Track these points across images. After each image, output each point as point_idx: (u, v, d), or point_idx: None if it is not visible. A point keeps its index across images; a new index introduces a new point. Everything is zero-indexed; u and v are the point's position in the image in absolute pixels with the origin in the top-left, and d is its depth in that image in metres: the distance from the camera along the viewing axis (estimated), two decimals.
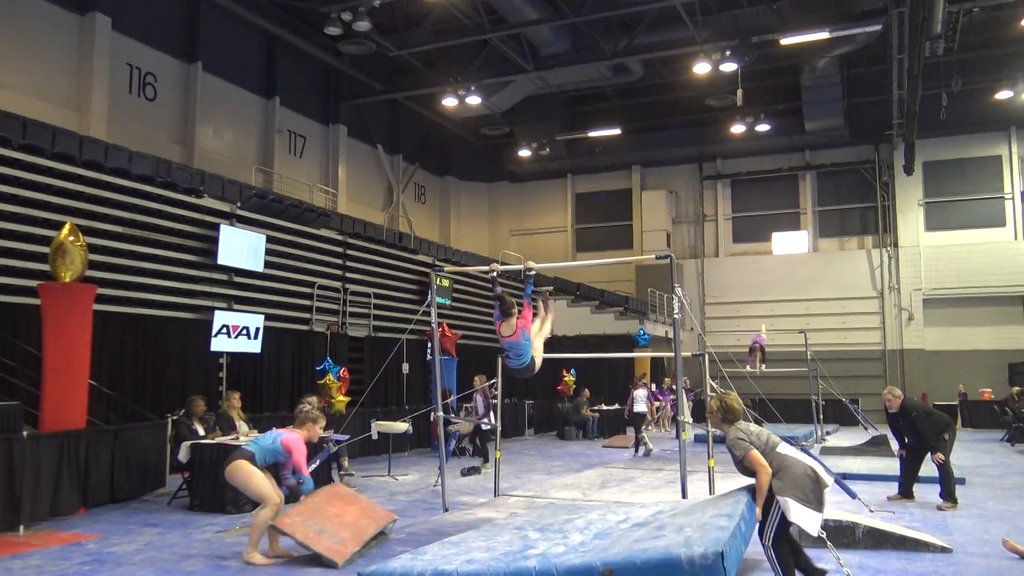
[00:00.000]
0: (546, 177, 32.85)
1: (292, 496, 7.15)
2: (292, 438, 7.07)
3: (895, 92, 22.63)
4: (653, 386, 22.81)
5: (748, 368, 17.86)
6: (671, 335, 7.82)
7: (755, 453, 5.38)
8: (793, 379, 23.66)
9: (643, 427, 16.72)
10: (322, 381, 13.52)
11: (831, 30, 20.85)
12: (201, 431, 10.35)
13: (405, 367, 17.51)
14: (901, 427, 9.75)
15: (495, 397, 10.02)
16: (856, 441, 17.94)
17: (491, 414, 13.23)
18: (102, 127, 17.31)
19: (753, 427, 5.61)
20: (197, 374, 13.71)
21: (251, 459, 6.91)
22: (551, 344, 25.10)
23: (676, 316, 7.50)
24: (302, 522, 6.80)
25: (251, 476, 6.83)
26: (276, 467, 7.08)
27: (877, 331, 27.96)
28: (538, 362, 7.45)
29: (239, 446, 7.15)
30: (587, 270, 29.93)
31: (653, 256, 8.35)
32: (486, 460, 13.05)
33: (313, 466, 8.49)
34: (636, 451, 15.97)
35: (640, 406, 16.43)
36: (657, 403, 21.90)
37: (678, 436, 8.02)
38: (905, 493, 9.87)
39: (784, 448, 5.51)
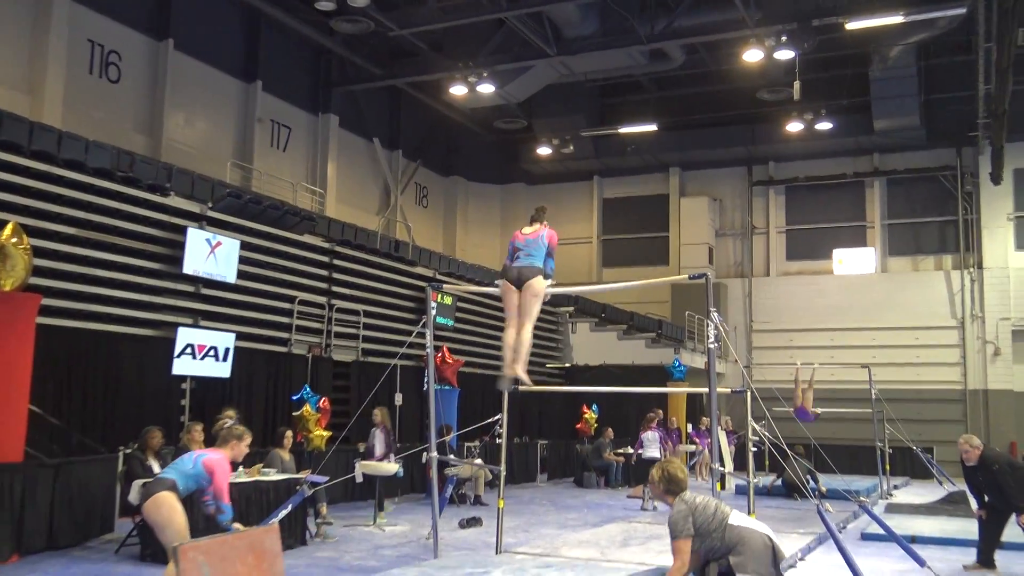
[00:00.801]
0: (569, 179, 32.88)
1: (210, 525, 7.09)
2: (215, 459, 7.07)
3: (981, 87, 22.53)
4: (688, 427, 22.70)
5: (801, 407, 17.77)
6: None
7: (682, 544, 5.70)
8: (855, 422, 23.50)
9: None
10: (298, 412, 13.52)
11: (906, 13, 20.82)
12: (157, 468, 10.34)
13: (398, 398, 17.50)
14: (980, 483, 9.66)
15: (499, 436, 9.99)
16: (929, 497, 17.75)
17: (391, 456, 12.89)
18: (56, 112, 17.46)
19: (700, 499, 5.86)
20: (155, 401, 13.73)
21: (174, 488, 6.86)
22: (569, 376, 24.95)
23: (711, 345, 7.48)
24: (199, 564, 6.62)
25: (173, 516, 6.75)
26: (197, 495, 7.05)
27: (956, 367, 27.75)
28: (540, 288, 8.11)
29: (157, 476, 7.10)
30: (615, 289, 29.83)
31: (687, 275, 8.33)
32: (381, 509, 12.86)
33: (283, 512, 8.48)
34: (643, 504, 15.98)
35: (652, 451, 16.40)
36: (693, 447, 21.78)
37: (713, 487, 7.97)
38: (985, 561, 9.77)
39: (737, 518, 5.78)
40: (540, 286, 8.12)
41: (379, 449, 13.01)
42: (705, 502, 5.77)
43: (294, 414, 13.70)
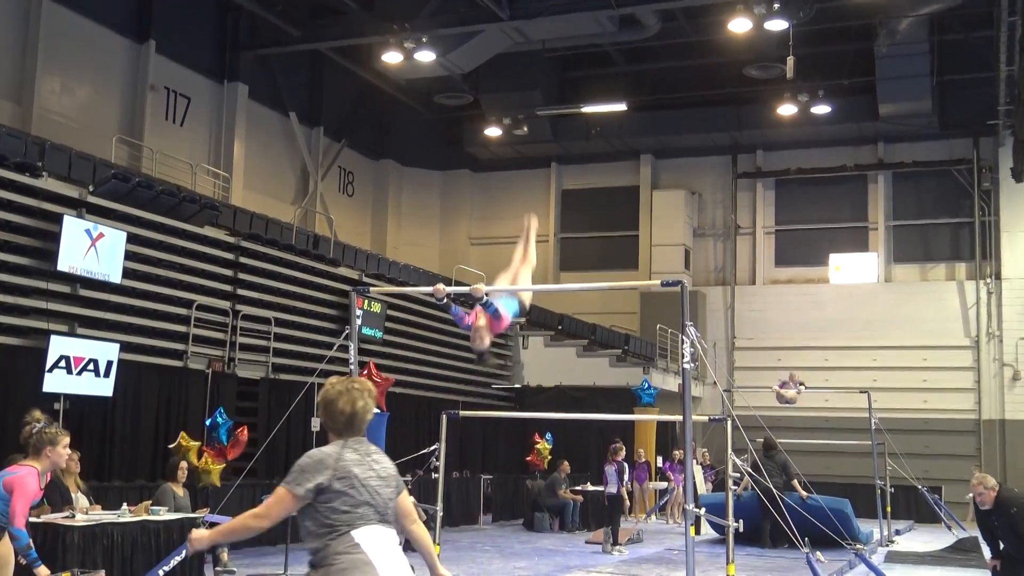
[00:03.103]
0: (522, 166, 32.96)
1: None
2: (18, 475, 7.02)
3: (1002, 68, 22.96)
4: (659, 460, 22.86)
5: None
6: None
7: (285, 495, 4.31)
8: (852, 456, 23.86)
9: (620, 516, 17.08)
10: (174, 444, 13.38)
11: None
12: None
13: (315, 423, 17.40)
14: (995, 528, 9.84)
15: (436, 470, 10.02)
16: (936, 545, 18.09)
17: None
18: None
19: (359, 470, 4.35)
20: (20, 424, 13.53)
21: None
22: (519, 400, 24.89)
23: (686, 365, 7.58)
24: None
25: None
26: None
27: (970, 394, 28.21)
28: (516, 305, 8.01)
29: None
30: (573, 297, 30.03)
31: (659, 282, 8.43)
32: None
33: (165, 568, 8.42)
34: (604, 549, 16.23)
35: (611, 487, 16.69)
36: (664, 483, 21.97)
37: (687, 531, 8.08)
38: None
39: (369, 536, 4.30)
40: None
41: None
42: (364, 478, 4.35)
43: (171, 446, 13.62)
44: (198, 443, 13.72)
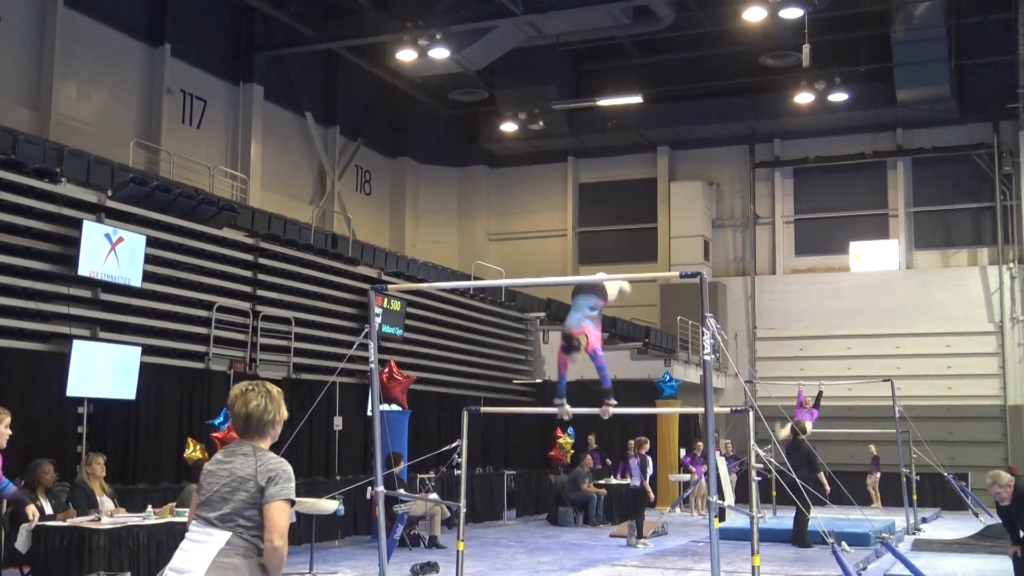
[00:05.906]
0: (539, 161, 32.98)
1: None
2: None
3: (1021, 51, 22.92)
4: (682, 452, 22.85)
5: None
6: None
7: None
8: (877, 444, 23.78)
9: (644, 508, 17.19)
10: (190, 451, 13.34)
11: None
12: (49, 509, 10.33)
13: (337, 422, 17.48)
14: (1016, 517, 9.83)
15: (458, 466, 10.05)
16: (963, 532, 18.03)
17: None
18: None
19: (218, 457, 4.76)
20: (45, 429, 13.63)
21: None
22: (540, 394, 24.88)
23: (707, 357, 7.58)
24: None
25: None
26: None
27: (994, 379, 28.09)
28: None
29: None
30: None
31: (677, 273, 8.44)
32: None
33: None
34: (628, 542, 16.27)
35: (633, 481, 16.79)
36: (687, 475, 21.97)
37: (711, 523, 8.08)
38: None
39: (191, 532, 4.60)
40: None
41: None
42: (213, 474, 4.61)
43: (185, 454, 13.56)
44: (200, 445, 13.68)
